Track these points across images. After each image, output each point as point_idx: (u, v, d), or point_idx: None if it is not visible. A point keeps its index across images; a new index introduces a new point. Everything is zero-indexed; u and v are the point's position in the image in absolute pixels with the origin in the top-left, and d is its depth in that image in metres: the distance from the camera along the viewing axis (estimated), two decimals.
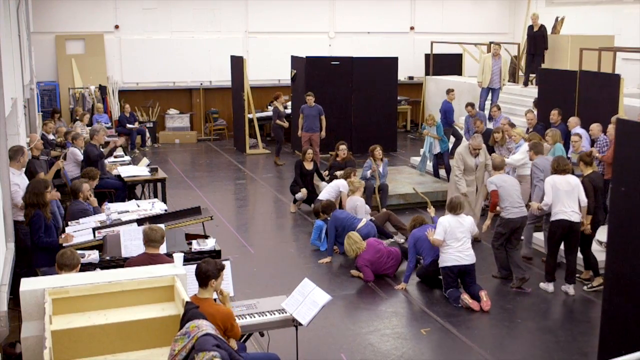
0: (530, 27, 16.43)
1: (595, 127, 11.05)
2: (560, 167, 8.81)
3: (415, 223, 9.55)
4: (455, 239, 8.49)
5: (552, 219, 8.75)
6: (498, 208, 9.22)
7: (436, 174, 14.43)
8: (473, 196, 10.82)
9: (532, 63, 16.35)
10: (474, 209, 10.80)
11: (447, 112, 15.39)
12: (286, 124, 16.26)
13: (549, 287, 8.90)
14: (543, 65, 15.67)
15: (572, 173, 9.04)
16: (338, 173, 11.95)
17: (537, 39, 16.23)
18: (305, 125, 15.34)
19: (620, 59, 15.76)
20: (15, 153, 8.30)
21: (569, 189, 8.68)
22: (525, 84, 16.86)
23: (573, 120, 11.77)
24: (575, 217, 8.65)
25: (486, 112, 15.61)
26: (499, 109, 14.08)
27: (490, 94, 16.05)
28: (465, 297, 8.35)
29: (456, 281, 8.55)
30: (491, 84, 15.74)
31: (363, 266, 9.30)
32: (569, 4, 20.57)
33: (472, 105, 14.42)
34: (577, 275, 9.07)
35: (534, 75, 16.36)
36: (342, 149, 12.64)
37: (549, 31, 17.34)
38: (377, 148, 12.13)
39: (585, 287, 8.98)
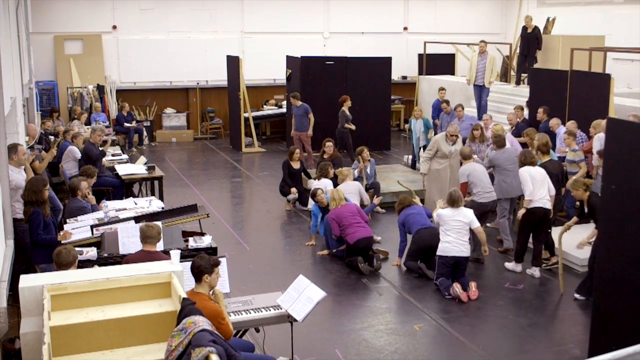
0: (524, 28, 16.51)
1: (571, 124, 11.56)
2: (527, 160, 9.33)
3: (403, 206, 9.78)
4: (455, 230, 8.70)
5: (529, 206, 9.15)
6: (471, 195, 9.88)
7: None
8: (447, 182, 11.10)
9: (524, 63, 16.45)
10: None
11: (439, 110, 15.60)
12: (353, 127, 15.78)
13: (518, 267, 9.45)
14: (535, 65, 15.77)
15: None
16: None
17: (530, 40, 16.33)
18: (295, 125, 15.48)
19: (611, 59, 15.89)
20: (9, 150, 8.29)
21: (541, 179, 9.19)
22: (517, 84, 16.98)
23: (554, 121, 12.03)
24: (548, 205, 9.19)
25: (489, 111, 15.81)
26: (463, 108, 14.29)
27: (480, 92, 16.18)
28: (457, 287, 8.54)
29: (450, 271, 8.75)
30: (476, 81, 15.89)
31: (331, 219, 9.74)
32: (560, 5, 20.66)
33: (447, 102, 14.77)
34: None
35: (525, 75, 16.50)
36: (328, 145, 12.69)
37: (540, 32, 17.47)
38: (365, 150, 12.32)
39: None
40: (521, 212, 9.31)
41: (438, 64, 20.43)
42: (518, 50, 17.23)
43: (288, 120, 17.32)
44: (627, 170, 5.94)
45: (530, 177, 9.15)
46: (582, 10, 19.66)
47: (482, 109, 15.95)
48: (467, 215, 8.81)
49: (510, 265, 9.55)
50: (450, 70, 20.41)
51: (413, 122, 15.04)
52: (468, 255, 8.81)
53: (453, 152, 11.24)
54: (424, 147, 14.18)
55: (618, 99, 12.94)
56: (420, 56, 20.69)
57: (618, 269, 6.06)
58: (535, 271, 9.36)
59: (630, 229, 5.93)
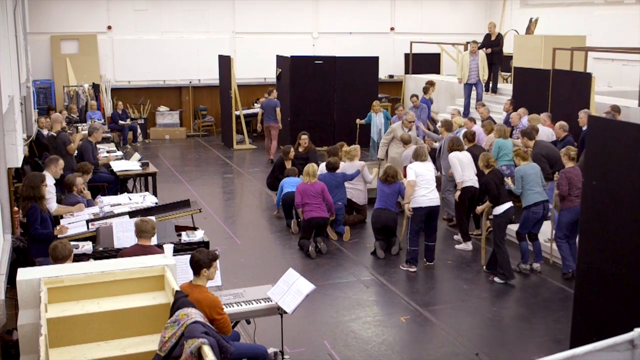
0: (488, 36, 16.58)
1: (515, 115, 12.59)
2: (455, 147, 10.18)
3: (382, 178, 10.24)
4: (425, 181, 9.29)
5: (461, 187, 10.07)
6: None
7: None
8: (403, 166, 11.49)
9: (491, 71, 16.52)
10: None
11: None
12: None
13: (469, 246, 10.31)
14: (517, 64, 15.84)
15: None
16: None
17: (494, 48, 16.50)
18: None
19: (592, 58, 16.11)
20: (50, 162, 9.15)
21: (468, 162, 10.06)
22: (494, 92, 16.95)
23: (521, 111, 12.65)
24: (476, 184, 10.02)
25: (472, 109, 16.04)
26: (418, 97, 15.08)
27: (474, 90, 16.36)
28: (404, 266, 9.34)
29: (422, 223, 9.33)
30: (470, 80, 16.11)
31: (297, 190, 10.39)
32: (542, 6, 20.84)
33: (416, 96, 15.25)
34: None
35: (509, 73, 16.67)
36: (304, 138, 12.79)
37: (522, 32, 17.66)
38: (345, 145, 12.55)
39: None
40: (457, 194, 10.17)
41: (424, 63, 20.64)
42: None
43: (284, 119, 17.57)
44: (607, 166, 6.02)
45: (459, 161, 10.04)
46: (563, 11, 19.86)
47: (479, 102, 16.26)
48: (433, 168, 9.64)
49: (460, 246, 10.30)
50: (436, 70, 20.61)
51: (373, 116, 15.37)
52: (438, 204, 9.45)
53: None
54: None
55: (599, 97, 13.15)
56: (406, 56, 20.93)
57: (599, 261, 6.14)
58: (469, 245, 10.34)
59: (610, 223, 6.01)
